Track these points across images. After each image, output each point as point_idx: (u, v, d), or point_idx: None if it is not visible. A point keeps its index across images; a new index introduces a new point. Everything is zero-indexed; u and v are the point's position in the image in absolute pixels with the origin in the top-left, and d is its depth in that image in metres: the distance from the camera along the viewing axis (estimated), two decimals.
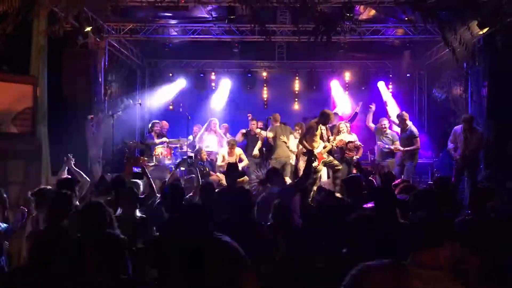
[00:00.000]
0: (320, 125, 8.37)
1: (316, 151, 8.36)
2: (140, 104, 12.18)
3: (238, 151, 9.69)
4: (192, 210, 3.28)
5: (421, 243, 2.18)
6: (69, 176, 5.45)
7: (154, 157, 9.73)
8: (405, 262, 2.21)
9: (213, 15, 10.30)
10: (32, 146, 7.05)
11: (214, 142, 10.50)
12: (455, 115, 10.64)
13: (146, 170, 5.98)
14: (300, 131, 10.36)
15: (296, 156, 9.75)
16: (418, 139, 9.24)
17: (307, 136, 8.43)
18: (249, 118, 10.64)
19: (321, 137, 8.49)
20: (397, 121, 9.55)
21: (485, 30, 8.30)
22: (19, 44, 7.41)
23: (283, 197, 4.40)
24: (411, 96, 12.86)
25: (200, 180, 5.78)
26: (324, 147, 8.53)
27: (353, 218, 3.27)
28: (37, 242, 3.02)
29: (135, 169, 8.49)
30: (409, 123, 9.36)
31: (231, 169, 5.93)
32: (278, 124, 9.87)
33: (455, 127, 8.75)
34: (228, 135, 10.80)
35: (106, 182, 5.76)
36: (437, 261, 2.12)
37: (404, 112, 9.70)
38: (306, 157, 9.34)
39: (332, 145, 8.75)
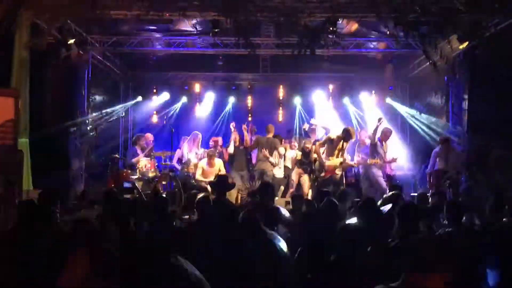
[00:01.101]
0: (347, 141, 8.75)
1: (327, 163, 8.63)
2: (123, 116, 12.11)
3: (218, 162, 9.66)
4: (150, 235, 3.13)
5: (415, 267, 2.15)
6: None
7: (137, 170, 9.66)
8: (395, 285, 2.18)
9: (198, 29, 10.33)
10: (13, 159, 6.94)
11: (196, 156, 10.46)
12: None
13: (137, 185, 5.93)
14: (297, 144, 10.46)
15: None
16: None
17: (326, 145, 8.96)
18: (232, 128, 10.62)
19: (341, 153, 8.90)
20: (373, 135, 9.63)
21: (465, 44, 8.47)
22: (1, 56, 7.33)
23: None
24: (394, 109, 13.00)
25: (182, 193, 5.74)
26: (340, 163, 8.79)
27: (340, 228, 3.30)
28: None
29: (126, 184, 8.43)
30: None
31: (220, 181, 5.86)
32: (269, 135, 9.94)
33: (434, 149, 8.95)
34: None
35: (89, 196, 5.70)
36: (426, 285, 2.10)
37: (388, 129, 9.88)
38: (300, 170, 9.51)
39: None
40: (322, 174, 8.98)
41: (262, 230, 3.88)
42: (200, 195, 4.92)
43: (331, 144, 8.99)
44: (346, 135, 8.95)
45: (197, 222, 4.64)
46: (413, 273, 2.13)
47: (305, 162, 9.54)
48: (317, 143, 9.40)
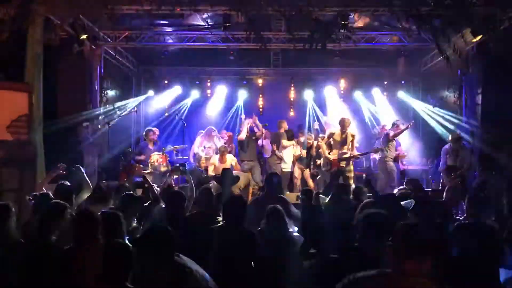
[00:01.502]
0: (344, 132, 8.89)
1: (331, 157, 8.99)
2: (136, 111, 12.18)
3: (230, 157, 9.68)
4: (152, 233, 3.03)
5: (408, 253, 2.25)
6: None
7: (149, 165, 9.72)
8: (389, 271, 2.28)
9: (209, 23, 10.34)
10: (27, 154, 7.03)
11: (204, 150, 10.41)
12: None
13: (148, 179, 5.93)
14: (303, 138, 10.51)
15: (292, 162, 9.88)
16: None
17: (330, 140, 9.16)
18: (243, 118, 10.64)
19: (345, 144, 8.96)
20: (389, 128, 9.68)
21: (478, 37, 8.38)
22: (14, 52, 7.41)
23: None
24: (406, 103, 12.91)
25: (194, 187, 5.75)
26: (345, 154, 8.83)
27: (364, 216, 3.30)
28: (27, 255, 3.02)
29: (136, 179, 8.47)
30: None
31: (225, 175, 5.90)
32: (280, 131, 10.04)
33: (444, 147, 8.90)
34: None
35: (102, 190, 5.73)
36: (421, 270, 2.21)
37: (399, 120, 9.85)
38: (300, 165, 9.56)
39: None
40: (325, 169, 9.02)
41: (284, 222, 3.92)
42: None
43: (333, 138, 9.11)
44: (340, 126, 9.06)
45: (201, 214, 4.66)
46: (410, 260, 2.22)
47: (305, 157, 9.61)
48: (320, 138, 9.50)
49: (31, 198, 4.78)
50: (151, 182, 5.89)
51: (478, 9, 7.46)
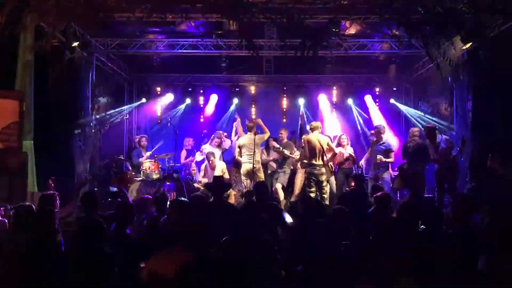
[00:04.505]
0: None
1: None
2: (127, 119, 12.15)
3: (221, 165, 9.66)
4: None
5: None
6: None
7: (141, 172, 9.69)
8: None
9: (201, 30, 10.35)
10: (18, 162, 6.98)
11: (217, 155, 10.26)
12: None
13: (125, 190, 5.89)
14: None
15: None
16: (393, 153, 9.44)
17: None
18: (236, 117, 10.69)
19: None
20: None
21: (468, 45, 8.44)
22: (5, 59, 7.37)
23: None
24: (398, 110, 12.98)
25: (186, 194, 5.74)
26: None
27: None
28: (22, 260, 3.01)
29: (112, 188, 8.37)
30: (385, 136, 9.60)
31: (217, 183, 5.85)
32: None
33: None
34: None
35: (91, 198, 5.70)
36: None
37: (381, 125, 9.87)
38: (303, 170, 9.56)
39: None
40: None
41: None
42: None
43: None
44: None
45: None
46: None
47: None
48: None
49: (11, 207, 4.74)
50: (141, 189, 5.88)
51: (468, 17, 7.53)
